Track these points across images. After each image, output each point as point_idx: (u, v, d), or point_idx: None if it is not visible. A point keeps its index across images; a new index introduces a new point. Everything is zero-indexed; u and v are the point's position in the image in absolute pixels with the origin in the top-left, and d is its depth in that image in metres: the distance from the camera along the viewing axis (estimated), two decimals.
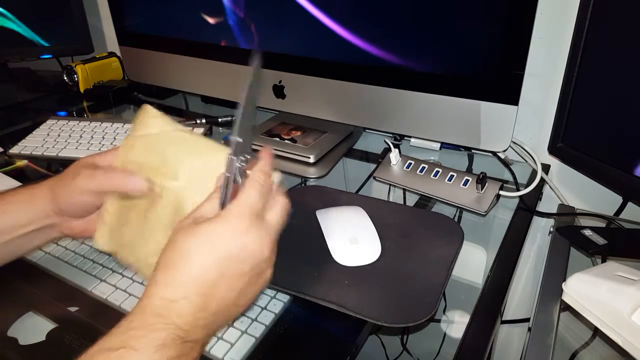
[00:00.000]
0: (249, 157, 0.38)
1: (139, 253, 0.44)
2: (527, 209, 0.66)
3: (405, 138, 0.82)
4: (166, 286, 0.33)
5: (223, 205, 0.37)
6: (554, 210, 0.70)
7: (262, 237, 0.36)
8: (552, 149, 0.63)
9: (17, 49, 1.06)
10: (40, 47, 1.06)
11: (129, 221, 0.44)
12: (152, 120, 0.45)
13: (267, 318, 0.46)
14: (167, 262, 0.34)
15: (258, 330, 0.45)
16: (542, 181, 0.71)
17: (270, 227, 0.38)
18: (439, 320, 0.53)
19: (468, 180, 0.66)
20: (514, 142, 0.76)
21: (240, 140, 0.37)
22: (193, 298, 0.33)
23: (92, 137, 0.83)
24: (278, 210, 0.39)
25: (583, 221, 0.66)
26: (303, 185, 0.72)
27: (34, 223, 0.45)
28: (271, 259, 0.37)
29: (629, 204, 0.68)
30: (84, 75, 1.06)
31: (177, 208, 0.42)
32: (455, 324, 0.50)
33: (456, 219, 0.65)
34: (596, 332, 0.48)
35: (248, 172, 0.38)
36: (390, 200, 0.70)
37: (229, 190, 0.37)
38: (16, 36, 1.03)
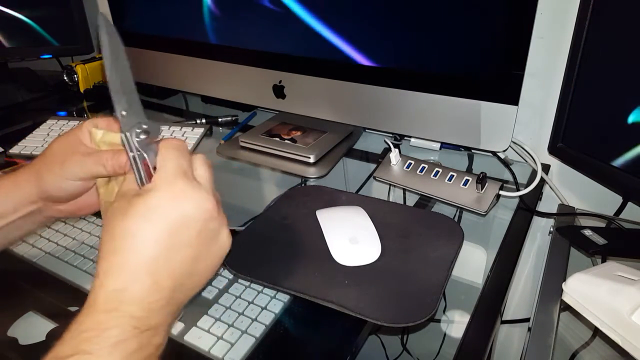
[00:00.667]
0: (145, 126, 0.35)
1: None
2: (527, 209, 0.66)
3: (405, 138, 0.82)
4: (110, 276, 0.31)
5: (142, 183, 0.35)
6: (554, 210, 0.70)
7: (201, 195, 0.34)
8: (552, 149, 0.63)
9: (17, 48, 1.06)
10: (37, 47, 1.06)
11: None
12: (101, 143, 0.43)
13: (267, 318, 0.46)
14: (107, 250, 0.32)
15: (258, 330, 0.45)
16: (542, 181, 0.71)
17: (204, 183, 0.35)
18: (439, 320, 0.53)
19: (468, 180, 0.66)
20: (514, 142, 0.76)
21: (124, 112, 0.34)
22: (143, 280, 0.31)
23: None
24: (201, 164, 0.37)
25: (583, 221, 0.66)
26: (303, 185, 0.72)
27: (19, 210, 0.43)
28: (219, 215, 0.35)
29: (629, 204, 0.68)
30: (84, 75, 1.06)
31: None
32: (455, 323, 0.50)
33: (456, 219, 0.65)
34: (596, 332, 0.48)
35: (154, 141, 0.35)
36: (390, 200, 0.70)
37: (140, 167, 0.34)
38: (16, 35, 1.03)
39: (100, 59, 1.10)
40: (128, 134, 0.34)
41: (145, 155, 0.35)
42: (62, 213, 0.45)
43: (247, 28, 0.78)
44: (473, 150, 0.79)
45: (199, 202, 0.34)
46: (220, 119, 0.92)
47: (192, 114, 1.00)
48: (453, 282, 0.51)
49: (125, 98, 0.35)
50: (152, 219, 0.32)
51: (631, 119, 0.52)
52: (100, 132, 0.42)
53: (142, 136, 0.35)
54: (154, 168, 0.35)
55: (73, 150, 0.42)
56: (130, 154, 0.34)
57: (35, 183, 0.42)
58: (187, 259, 0.33)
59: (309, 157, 0.74)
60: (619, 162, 0.54)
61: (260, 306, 0.48)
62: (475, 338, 0.46)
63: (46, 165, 0.42)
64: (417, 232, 0.56)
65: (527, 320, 0.67)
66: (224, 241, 0.36)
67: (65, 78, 1.07)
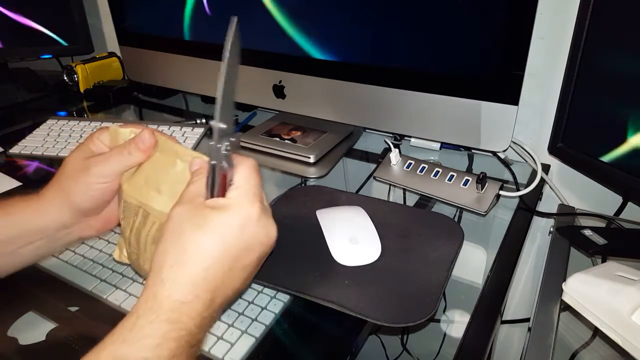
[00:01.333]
0: (233, 139, 0.35)
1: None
2: (527, 209, 0.66)
3: (405, 138, 0.82)
4: (178, 286, 0.31)
5: (212, 193, 0.35)
6: (554, 210, 0.70)
7: (270, 223, 0.35)
8: (552, 149, 0.63)
9: (17, 48, 1.06)
10: (37, 47, 1.06)
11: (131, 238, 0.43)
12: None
13: (267, 318, 0.46)
14: (175, 259, 0.32)
15: (258, 330, 0.45)
16: (542, 181, 0.71)
17: (270, 210, 0.36)
18: (439, 320, 0.53)
19: (468, 180, 0.66)
20: (514, 142, 0.76)
21: (224, 126, 0.34)
22: (204, 296, 0.31)
23: None
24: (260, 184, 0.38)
25: (583, 221, 0.66)
26: (303, 185, 0.72)
27: (46, 230, 0.43)
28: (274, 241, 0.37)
29: (629, 204, 0.68)
30: (84, 75, 1.06)
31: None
32: (455, 323, 0.50)
33: (456, 219, 0.65)
34: (596, 332, 0.48)
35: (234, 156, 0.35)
36: (390, 200, 0.70)
37: (216, 178, 0.35)
38: (15, 35, 1.03)
39: (100, 59, 1.10)
40: (219, 146, 0.34)
41: (226, 165, 0.35)
42: (92, 229, 0.45)
43: (248, 27, 0.78)
44: (473, 150, 0.79)
45: (269, 230, 0.35)
46: None
47: (192, 114, 1.00)
48: (453, 282, 0.51)
49: (228, 111, 0.35)
50: (226, 240, 0.33)
51: (631, 119, 0.52)
52: (127, 131, 0.42)
53: (228, 149, 0.35)
54: (229, 183, 0.35)
55: (90, 156, 0.42)
56: (213, 162, 0.34)
57: (62, 200, 0.42)
58: (241, 280, 0.34)
59: (309, 157, 0.74)
60: (619, 162, 0.54)
61: (260, 306, 0.47)
62: (475, 338, 0.46)
63: (69, 178, 0.42)
64: (417, 232, 0.56)
65: (527, 320, 0.67)
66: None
67: (65, 78, 1.07)
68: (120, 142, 0.43)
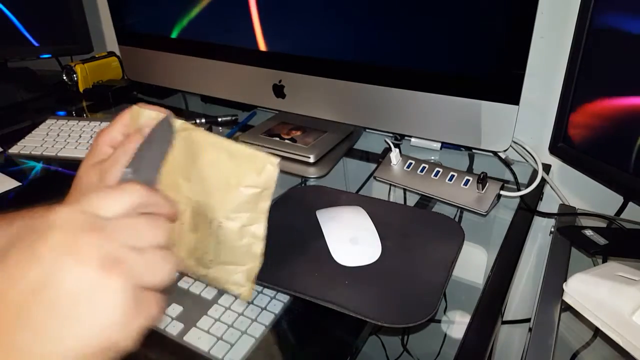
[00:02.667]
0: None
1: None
2: (527, 209, 0.66)
3: (406, 138, 0.82)
4: None
5: None
6: (555, 210, 0.70)
7: None
8: (553, 149, 0.63)
9: (16, 48, 1.06)
10: (37, 47, 1.06)
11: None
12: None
13: (267, 318, 0.46)
14: None
15: (258, 330, 0.45)
16: (543, 181, 0.70)
17: None
18: (439, 321, 0.53)
19: (469, 180, 0.65)
20: (515, 142, 0.76)
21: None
22: None
23: (91, 137, 0.82)
24: None
25: (584, 221, 0.66)
26: (303, 185, 0.72)
27: None
28: None
29: (630, 204, 0.68)
30: (84, 74, 1.06)
31: (195, 210, 0.40)
32: (456, 324, 0.50)
33: (457, 219, 0.65)
34: (597, 332, 0.48)
35: None
36: (391, 200, 0.70)
37: None
38: (15, 34, 1.03)
39: (99, 58, 1.10)
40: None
41: None
42: None
43: (247, 27, 0.78)
44: (474, 150, 0.79)
45: None
46: (220, 119, 0.92)
47: (191, 114, 1.00)
48: (453, 283, 0.50)
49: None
50: None
51: (632, 118, 0.52)
52: (153, 113, 0.40)
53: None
54: None
55: (99, 161, 0.40)
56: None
57: None
58: None
59: (309, 157, 0.74)
60: (619, 162, 0.54)
61: (260, 306, 0.47)
62: (475, 338, 0.46)
63: (89, 189, 0.39)
64: (418, 232, 0.56)
65: (528, 320, 0.67)
66: None
67: (65, 78, 1.07)
68: (141, 123, 0.40)
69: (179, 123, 0.38)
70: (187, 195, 0.39)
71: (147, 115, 0.40)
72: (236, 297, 0.48)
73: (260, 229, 0.39)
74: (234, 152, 0.37)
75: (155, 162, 0.36)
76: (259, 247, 0.39)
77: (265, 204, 0.38)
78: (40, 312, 0.24)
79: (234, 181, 0.37)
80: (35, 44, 1.06)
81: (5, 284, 0.24)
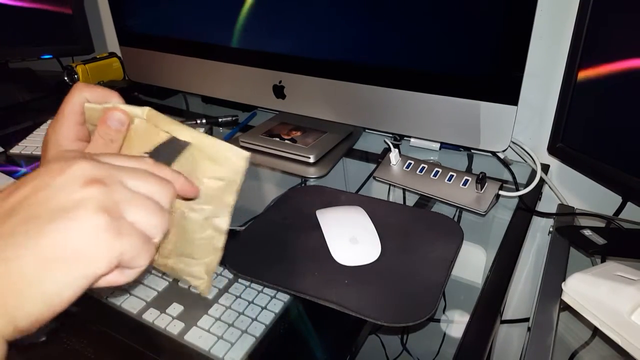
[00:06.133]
0: None
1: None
2: (526, 209, 0.66)
3: (405, 138, 0.82)
4: None
5: None
6: (554, 210, 0.70)
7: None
8: (552, 149, 0.63)
9: (17, 48, 1.06)
10: (38, 47, 1.06)
11: None
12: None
13: (267, 317, 0.46)
14: None
15: (258, 329, 0.45)
16: (542, 181, 0.71)
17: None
18: (438, 320, 0.53)
19: (468, 180, 0.66)
20: (514, 142, 0.76)
21: None
22: None
23: None
24: None
25: (582, 221, 0.66)
26: (303, 185, 0.72)
27: None
28: None
29: (629, 203, 0.68)
30: (85, 75, 1.06)
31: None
32: (455, 323, 0.50)
33: (456, 219, 0.65)
34: (596, 332, 0.48)
35: None
36: (390, 200, 0.70)
37: None
38: (16, 35, 1.03)
39: (101, 59, 1.10)
40: None
41: None
42: None
43: (248, 28, 0.78)
44: (473, 151, 0.79)
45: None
46: (220, 119, 0.92)
47: (192, 114, 1.00)
48: (453, 282, 0.51)
49: None
50: None
51: (630, 118, 0.52)
52: (99, 107, 0.37)
53: None
54: None
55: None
56: None
57: None
58: None
59: (309, 157, 0.74)
60: (618, 162, 0.54)
61: (261, 306, 0.48)
62: (475, 338, 0.46)
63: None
64: (417, 232, 0.56)
65: (527, 320, 0.67)
66: None
67: (66, 78, 1.07)
68: (96, 119, 0.37)
69: (145, 110, 0.36)
70: None
71: (98, 112, 0.37)
72: (237, 297, 0.49)
73: (223, 222, 0.37)
74: (202, 143, 0.36)
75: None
76: (220, 241, 0.38)
77: (231, 198, 0.37)
78: (20, 215, 0.24)
79: (200, 172, 0.36)
80: (37, 44, 1.06)
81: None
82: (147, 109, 0.36)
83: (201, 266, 0.39)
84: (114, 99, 0.37)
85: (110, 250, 0.25)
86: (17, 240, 0.24)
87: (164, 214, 0.28)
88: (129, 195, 0.26)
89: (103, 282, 0.26)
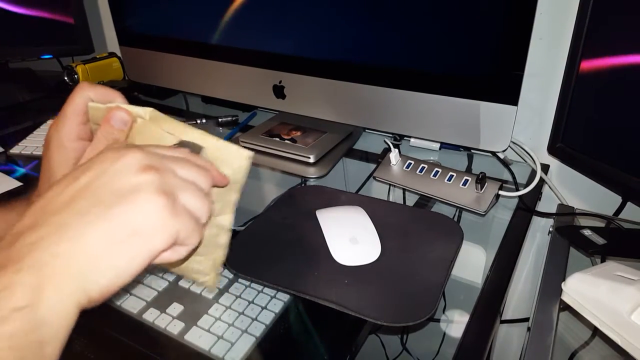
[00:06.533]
0: None
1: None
2: (526, 209, 0.67)
3: (405, 138, 0.82)
4: None
5: None
6: (554, 210, 0.70)
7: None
8: (552, 149, 0.63)
9: (17, 48, 1.06)
10: (38, 48, 1.06)
11: None
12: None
13: (267, 317, 0.46)
14: None
15: (258, 329, 0.45)
16: (542, 181, 0.71)
17: None
18: (438, 320, 0.53)
19: (467, 180, 0.66)
20: (514, 142, 0.76)
21: None
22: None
23: None
24: None
25: (582, 221, 0.66)
26: (303, 185, 0.72)
27: None
28: None
29: (629, 203, 0.68)
30: (85, 75, 1.06)
31: None
32: (455, 323, 0.50)
33: (456, 219, 0.65)
34: (595, 331, 0.48)
35: None
36: (390, 200, 0.70)
37: None
38: (16, 35, 1.03)
39: (100, 59, 1.10)
40: None
41: None
42: None
43: (248, 28, 0.78)
44: (472, 151, 0.79)
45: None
46: (220, 119, 0.93)
47: (192, 114, 1.00)
48: (452, 282, 0.51)
49: None
50: None
51: (630, 118, 0.52)
52: (103, 107, 0.37)
53: None
54: None
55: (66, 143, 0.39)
56: None
57: None
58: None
59: (309, 157, 0.74)
60: (618, 162, 0.54)
61: (261, 306, 0.48)
62: (474, 338, 0.46)
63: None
64: (417, 232, 0.56)
65: (527, 320, 0.67)
66: None
67: (66, 78, 1.07)
68: (99, 119, 0.37)
69: (148, 111, 0.36)
70: None
71: (102, 112, 0.37)
72: (237, 297, 0.49)
73: (227, 220, 0.38)
74: (205, 143, 0.36)
75: None
76: (224, 238, 0.39)
77: (234, 196, 0.38)
78: (86, 200, 0.27)
79: None
80: (37, 44, 1.06)
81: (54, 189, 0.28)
82: (150, 109, 0.36)
83: (207, 263, 0.39)
84: (117, 99, 0.38)
85: (169, 228, 0.27)
86: (87, 219, 0.26)
87: (207, 198, 0.30)
88: (179, 180, 0.29)
89: (159, 259, 0.28)
